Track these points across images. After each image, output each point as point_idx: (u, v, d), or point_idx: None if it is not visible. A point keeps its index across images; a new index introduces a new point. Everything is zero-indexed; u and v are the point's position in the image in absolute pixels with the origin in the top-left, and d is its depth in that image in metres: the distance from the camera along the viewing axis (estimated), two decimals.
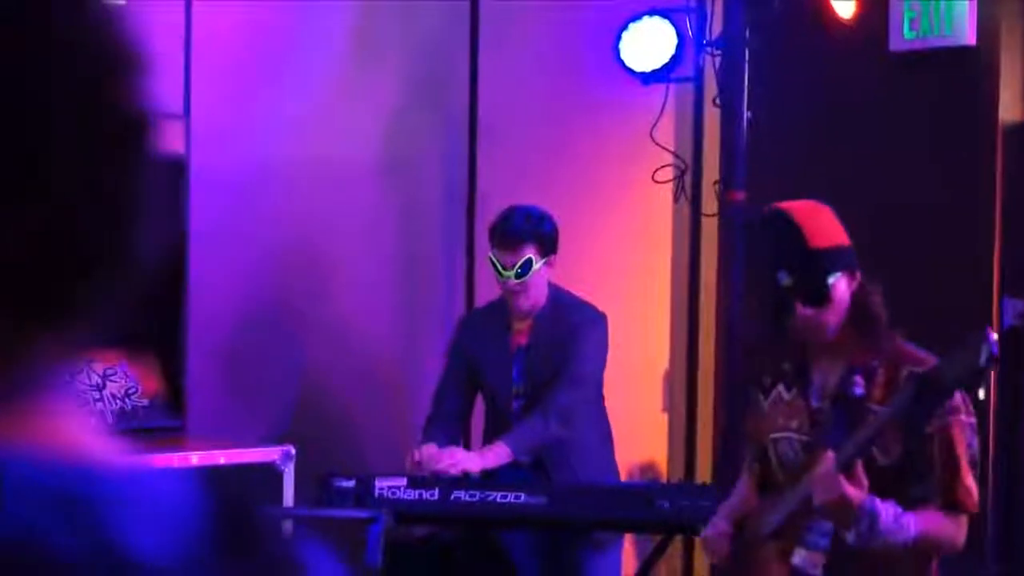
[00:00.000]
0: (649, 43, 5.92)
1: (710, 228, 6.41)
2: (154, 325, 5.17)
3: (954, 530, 3.36)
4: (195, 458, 4.75)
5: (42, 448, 0.81)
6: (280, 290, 5.70)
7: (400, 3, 5.88)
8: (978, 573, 5.20)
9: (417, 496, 4.81)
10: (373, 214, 5.89)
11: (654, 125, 6.12)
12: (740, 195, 5.74)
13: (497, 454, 4.95)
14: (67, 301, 0.83)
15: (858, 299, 3.44)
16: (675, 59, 5.92)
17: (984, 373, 3.16)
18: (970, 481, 3.36)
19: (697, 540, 6.36)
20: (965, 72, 5.76)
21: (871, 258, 3.62)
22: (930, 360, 3.33)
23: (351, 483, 4.82)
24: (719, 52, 5.82)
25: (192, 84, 5.30)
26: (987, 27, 5.72)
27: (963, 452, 3.34)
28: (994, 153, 5.69)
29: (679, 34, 5.90)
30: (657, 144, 6.17)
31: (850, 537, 3.27)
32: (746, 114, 5.69)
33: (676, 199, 6.39)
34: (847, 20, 5.91)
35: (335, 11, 5.75)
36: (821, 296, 3.40)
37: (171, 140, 5.23)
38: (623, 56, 5.97)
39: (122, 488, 0.82)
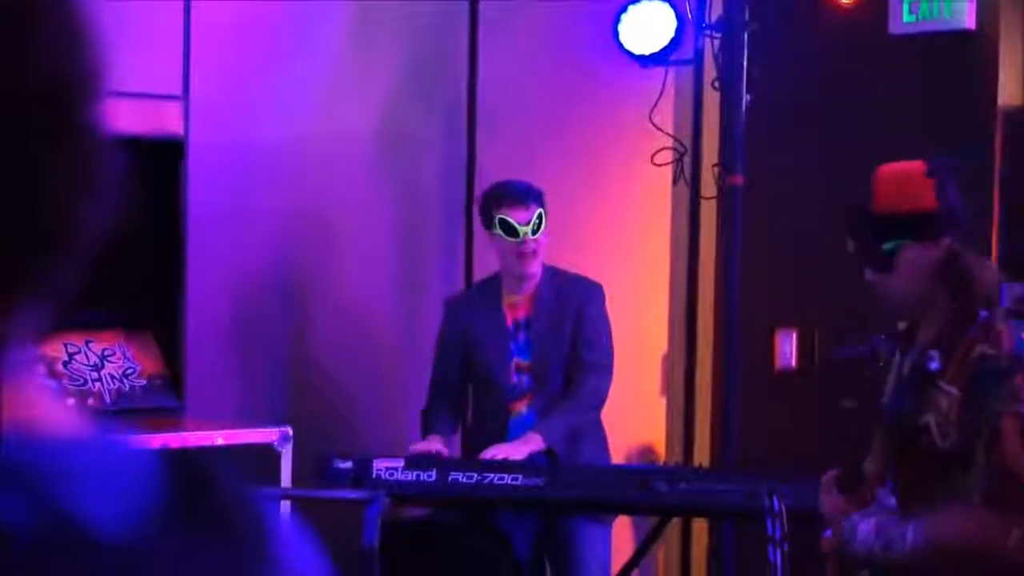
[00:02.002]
0: (648, 26, 5.90)
1: (709, 211, 6.42)
2: (153, 306, 5.18)
3: (995, 532, 2.98)
4: (193, 439, 4.75)
5: None
6: (279, 271, 5.70)
7: None
8: None
9: (415, 477, 4.81)
10: (372, 196, 5.89)
11: (653, 108, 6.11)
12: (739, 178, 5.73)
13: (534, 443, 4.97)
14: (20, 278, 0.79)
15: (949, 268, 3.22)
16: (674, 42, 5.91)
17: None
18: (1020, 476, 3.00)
19: (695, 523, 6.39)
20: (965, 56, 5.76)
21: None
22: (1007, 348, 3.12)
23: (349, 464, 4.82)
24: (719, 35, 5.80)
25: (191, 64, 5.29)
26: (987, 11, 5.72)
27: (1012, 443, 3.01)
28: (993, 137, 5.69)
29: (678, 17, 5.89)
30: (656, 127, 6.16)
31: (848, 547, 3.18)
32: (745, 97, 5.68)
33: (675, 182, 6.38)
34: (847, 3, 5.91)
35: None
36: (881, 263, 3.26)
37: (170, 120, 5.23)
38: (622, 39, 5.95)
39: (80, 461, 0.79)
